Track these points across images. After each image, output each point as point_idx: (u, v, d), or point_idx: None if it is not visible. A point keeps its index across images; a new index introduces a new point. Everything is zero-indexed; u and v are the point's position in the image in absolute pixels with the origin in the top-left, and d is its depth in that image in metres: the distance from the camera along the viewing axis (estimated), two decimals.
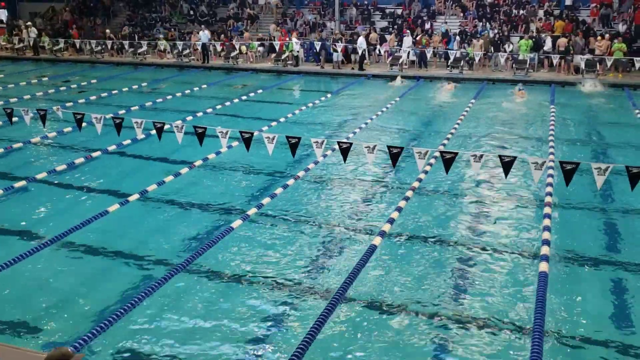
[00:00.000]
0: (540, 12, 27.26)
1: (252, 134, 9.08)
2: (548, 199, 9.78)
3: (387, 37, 26.49)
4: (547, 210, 9.37)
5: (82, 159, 12.18)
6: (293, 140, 8.58)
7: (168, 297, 7.22)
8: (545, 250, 7.96)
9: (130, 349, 6.27)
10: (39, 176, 11.11)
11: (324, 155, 11.54)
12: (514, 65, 23.15)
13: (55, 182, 11.26)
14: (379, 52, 25.87)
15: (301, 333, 6.30)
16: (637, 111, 16.77)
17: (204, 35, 26.89)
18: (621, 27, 24.75)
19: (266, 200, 9.96)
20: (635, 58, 21.71)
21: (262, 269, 8.01)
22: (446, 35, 25.57)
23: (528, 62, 22.88)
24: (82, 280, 7.76)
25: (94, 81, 22.59)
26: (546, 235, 8.43)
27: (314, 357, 6.04)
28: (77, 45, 29.01)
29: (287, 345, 6.29)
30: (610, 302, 7.28)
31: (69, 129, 14.47)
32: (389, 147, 8.35)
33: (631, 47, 22.86)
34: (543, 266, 7.50)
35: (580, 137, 14.92)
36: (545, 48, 23.82)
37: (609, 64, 21.94)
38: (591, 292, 7.45)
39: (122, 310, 6.45)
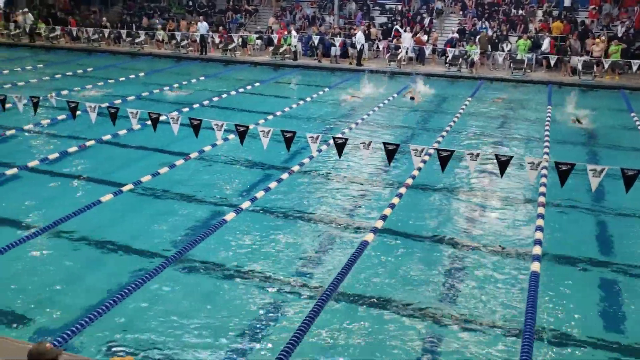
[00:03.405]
0: (539, 13, 27.23)
1: (247, 127, 9.02)
2: (541, 199, 9.78)
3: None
4: (540, 210, 9.37)
5: (75, 148, 12.08)
6: (288, 135, 8.53)
7: (158, 290, 7.18)
8: (537, 250, 7.97)
9: (119, 342, 6.23)
10: (31, 164, 11.01)
11: (319, 150, 11.49)
12: (511, 65, 23.12)
13: (48, 170, 11.16)
14: (378, 47, 25.79)
15: (292, 328, 6.28)
16: (633, 114, 16.76)
17: (203, 26, 26.71)
18: (620, 30, 24.73)
19: (260, 194, 9.91)
20: (633, 61, 21.73)
21: (254, 262, 7.98)
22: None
23: (526, 62, 22.86)
24: (73, 270, 7.72)
25: (90, 69, 22.43)
26: (539, 235, 8.44)
27: (304, 352, 6.03)
28: (74, 33, 28.79)
29: (277, 340, 6.27)
30: (601, 302, 7.29)
31: (63, 116, 14.36)
32: (384, 143, 8.31)
33: (629, 50, 22.83)
34: (535, 266, 7.50)
35: (576, 138, 14.90)
36: (542, 48, 23.80)
37: (606, 65, 21.94)
38: (582, 293, 7.46)
39: (111, 302, 6.40)
